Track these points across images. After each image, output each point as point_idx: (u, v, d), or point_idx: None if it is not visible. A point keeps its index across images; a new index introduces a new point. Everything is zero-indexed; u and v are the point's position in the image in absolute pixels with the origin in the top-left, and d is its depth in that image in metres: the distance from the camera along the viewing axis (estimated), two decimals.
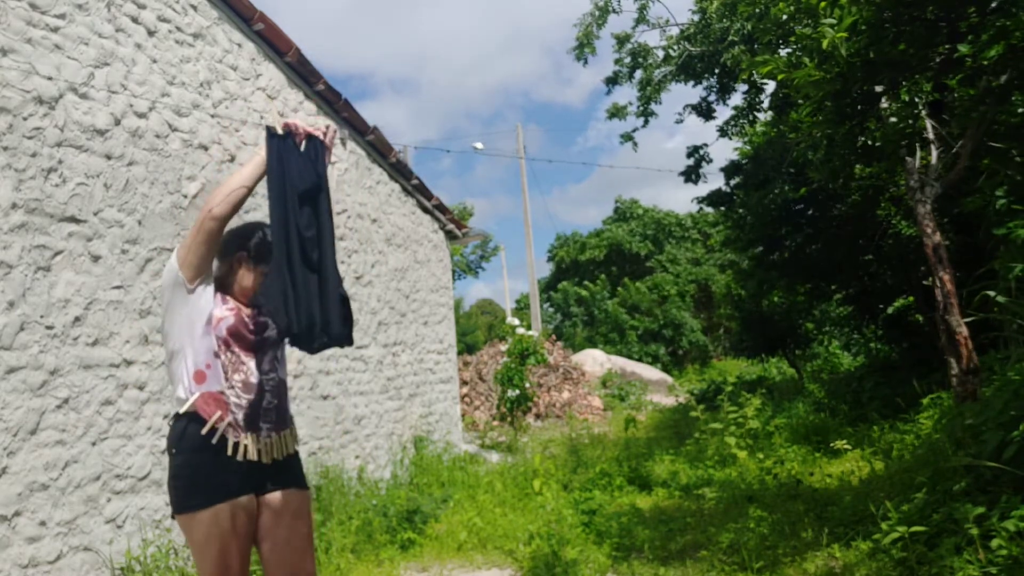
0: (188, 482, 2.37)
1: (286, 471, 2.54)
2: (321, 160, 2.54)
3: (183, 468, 2.39)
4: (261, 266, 2.55)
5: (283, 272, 2.40)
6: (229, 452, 2.38)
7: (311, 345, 2.44)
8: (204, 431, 2.36)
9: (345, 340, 2.50)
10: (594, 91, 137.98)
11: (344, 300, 2.51)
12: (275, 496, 2.49)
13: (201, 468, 2.37)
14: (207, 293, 2.47)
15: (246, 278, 2.57)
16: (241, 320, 2.50)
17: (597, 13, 11.11)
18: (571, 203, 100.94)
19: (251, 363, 2.48)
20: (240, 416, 2.42)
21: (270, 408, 2.49)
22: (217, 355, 2.43)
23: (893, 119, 4.88)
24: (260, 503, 2.47)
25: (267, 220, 2.51)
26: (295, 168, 2.47)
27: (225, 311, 2.48)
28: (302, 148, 2.52)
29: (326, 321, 2.42)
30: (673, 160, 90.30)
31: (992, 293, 3.97)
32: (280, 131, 2.48)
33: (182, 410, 2.40)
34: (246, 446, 2.40)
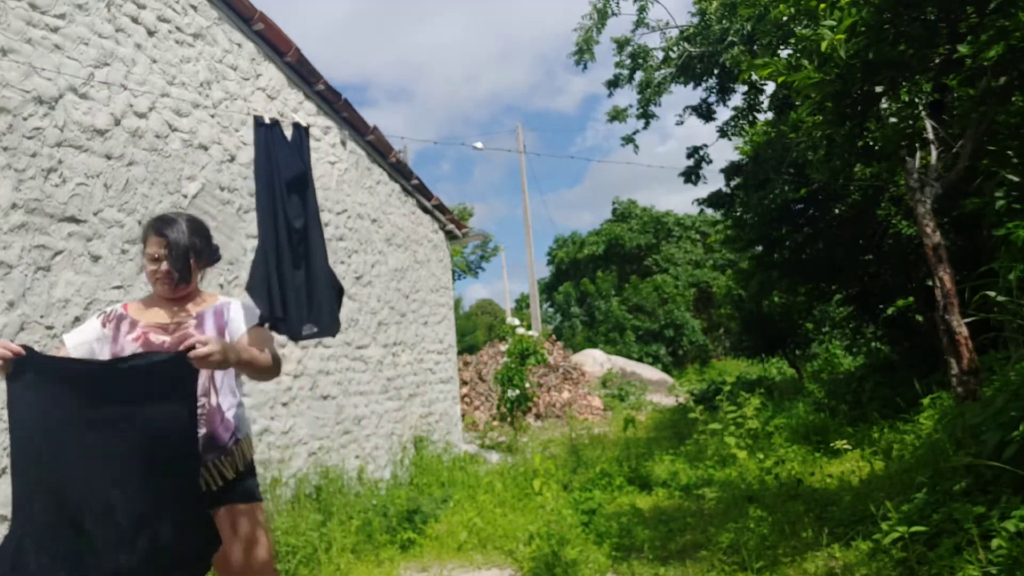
0: None
1: (228, 491, 2.41)
2: (306, 149, 2.58)
3: None
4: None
5: (268, 260, 2.43)
6: None
7: (297, 334, 2.45)
8: None
9: (334, 331, 2.55)
10: (587, 98, 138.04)
11: (338, 291, 2.54)
12: (219, 513, 2.39)
13: None
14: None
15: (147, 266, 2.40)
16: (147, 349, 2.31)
17: (596, 16, 11.13)
18: (567, 207, 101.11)
19: None
20: None
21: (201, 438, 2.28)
22: None
23: (893, 119, 4.88)
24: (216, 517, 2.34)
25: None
26: (282, 157, 2.51)
27: (129, 342, 2.31)
28: (288, 137, 2.56)
29: (314, 311, 2.44)
30: (667, 163, 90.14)
31: (992, 293, 3.97)
32: (267, 120, 2.52)
33: None
34: None
